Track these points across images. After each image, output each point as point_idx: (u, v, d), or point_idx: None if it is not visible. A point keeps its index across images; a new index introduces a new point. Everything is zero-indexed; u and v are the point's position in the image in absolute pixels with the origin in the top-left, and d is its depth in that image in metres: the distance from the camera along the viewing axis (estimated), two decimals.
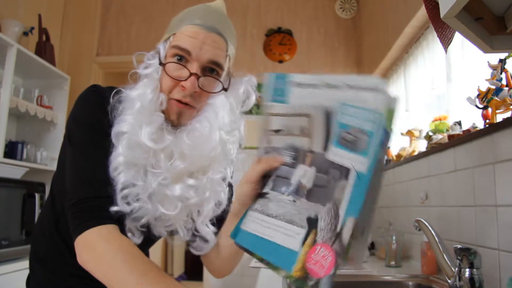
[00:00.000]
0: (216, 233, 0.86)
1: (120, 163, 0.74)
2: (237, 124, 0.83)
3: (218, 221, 0.85)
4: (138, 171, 0.75)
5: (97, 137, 0.76)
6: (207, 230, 0.84)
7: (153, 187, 0.75)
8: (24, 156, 2.57)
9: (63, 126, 2.87)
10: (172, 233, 0.83)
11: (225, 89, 0.81)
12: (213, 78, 0.80)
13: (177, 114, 0.79)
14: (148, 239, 0.82)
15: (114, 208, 0.72)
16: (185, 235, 0.83)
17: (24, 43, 2.67)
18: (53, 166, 2.76)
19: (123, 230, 0.73)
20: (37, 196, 2.26)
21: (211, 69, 0.80)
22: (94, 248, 0.67)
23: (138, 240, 0.76)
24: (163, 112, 0.79)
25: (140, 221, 0.76)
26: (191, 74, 0.77)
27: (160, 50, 0.82)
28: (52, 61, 2.82)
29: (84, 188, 0.72)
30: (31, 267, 0.87)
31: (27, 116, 2.66)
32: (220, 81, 0.81)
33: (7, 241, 1.99)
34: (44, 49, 2.78)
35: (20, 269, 1.93)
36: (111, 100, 0.79)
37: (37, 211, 2.25)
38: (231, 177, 0.88)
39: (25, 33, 2.71)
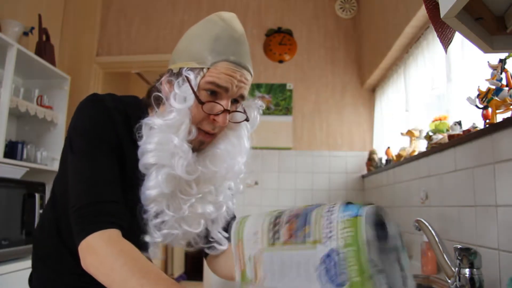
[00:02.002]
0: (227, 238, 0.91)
1: (155, 196, 0.78)
2: (249, 147, 0.90)
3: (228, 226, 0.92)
4: (169, 200, 0.80)
5: (97, 147, 0.79)
6: (220, 237, 0.90)
7: (183, 211, 0.81)
8: (24, 156, 2.57)
9: (63, 126, 2.87)
10: (189, 244, 0.89)
11: (247, 120, 0.88)
12: (239, 112, 0.86)
13: (199, 143, 0.84)
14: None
15: (146, 239, 0.78)
16: (200, 242, 0.89)
17: (24, 43, 2.67)
18: (53, 166, 2.76)
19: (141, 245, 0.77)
20: (37, 196, 2.26)
21: (236, 100, 0.85)
22: (96, 252, 0.68)
23: (159, 237, 0.81)
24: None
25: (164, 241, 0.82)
26: (224, 110, 0.81)
27: (190, 80, 0.81)
28: (52, 61, 2.82)
29: (85, 194, 0.74)
30: (33, 265, 0.90)
31: (27, 116, 2.66)
32: (246, 115, 0.87)
33: (7, 241, 1.99)
34: (44, 49, 2.78)
35: (20, 269, 1.93)
36: (116, 112, 0.82)
37: (37, 211, 2.25)
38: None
39: (25, 33, 2.70)
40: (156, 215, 0.79)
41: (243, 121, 0.87)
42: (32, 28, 2.76)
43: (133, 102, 0.89)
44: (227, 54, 0.81)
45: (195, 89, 0.80)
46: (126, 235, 0.73)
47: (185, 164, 0.79)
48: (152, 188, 0.78)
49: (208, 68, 0.81)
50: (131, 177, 0.81)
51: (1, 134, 2.26)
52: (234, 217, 0.96)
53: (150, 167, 0.79)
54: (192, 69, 0.81)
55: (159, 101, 0.84)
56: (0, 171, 2.25)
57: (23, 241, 2.10)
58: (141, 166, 0.79)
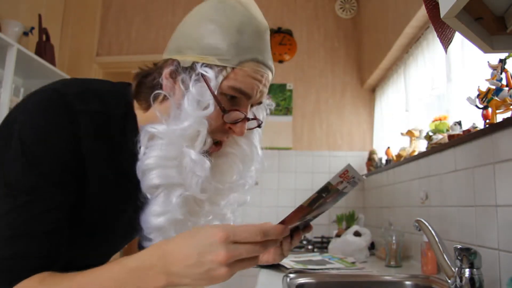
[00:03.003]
0: None
1: (165, 223, 0.65)
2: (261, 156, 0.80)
3: None
4: (176, 226, 0.67)
5: (42, 174, 0.59)
6: None
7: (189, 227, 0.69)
8: None
9: None
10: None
11: (259, 126, 0.77)
12: (254, 119, 0.75)
13: (209, 152, 0.71)
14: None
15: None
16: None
17: (24, 43, 2.67)
18: None
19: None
20: None
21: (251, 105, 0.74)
22: None
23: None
24: None
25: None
26: (244, 118, 0.69)
27: (208, 81, 0.66)
28: (52, 61, 2.82)
29: (7, 244, 0.57)
30: None
31: None
32: (259, 121, 0.76)
33: None
34: (44, 49, 2.78)
35: None
36: (86, 117, 0.63)
37: None
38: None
39: (25, 33, 2.70)
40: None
41: (255, 127, 0.76)
42: (32, 28, 2.76)
43: (112, 94, 0.70)
44: (254, 52, 0.68)
45: (216, 93, 0.66)
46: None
47: (200, 182, 0.66)
48: (161, 214, 0.64)
49: (233, 68, 0.67)
50: (96, 200, 0.66)
51: None
52: None
53: (155, 188, 0.65)
54: (210, 66, 0.66)
55: (155, 97, 0.68)
56: None
57: None
58: (144, 189, 0.65)
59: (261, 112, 0.78)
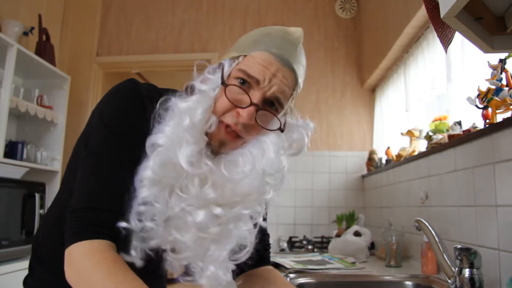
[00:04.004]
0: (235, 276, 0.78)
1: (146, 178, 0.68)
2: (282, 168, 0.77)
3: (243, 265, 0.77)
4: (162, 191, 0.69)
5: (120, 143, 0.71)
6: (221, 275, 0.72)
7: (175, 211, 0.69)
8: (24, 156, 2.57)
9: (63, 126, 2.87)
10: (187, 272, 0.74)
11: (281, 130, 0.75)
12: (271, 114, 0.74)
13: (219, 143, 0.73)
14: (157, 272, 0.77)
15: (122, 224, 0.67)
16: (200, 277, 0.72)
17: (24, 43, 2.67)
18: (53, 166, 2.76)
19: (127, 247, 0.69)
20: (37, 196, 2.26)
21: (272, 103, 0.74)
22: (74, 264, 0.64)
23: (140, 261, 0.69)
24: (206, 134, 0.72)
25: (149, 243, 0.70)
26: (251, 103, 0.70)
27: (224, 67, 0.74)
28: (52, 61, 2.82)
29: (85, 197, 0.68)
30: (30, 266, 0.86)
31: (27, 116, 2.66)
32: (279, 120, 0.74)
33: (7, 241, 1.99)
34: (44, 49, 2.78)
35: (20, 269, 1.93)
36: (150, 102, 0.73)
37: (37, 211, 2.25)
38: (263, 220, 0.80)
39: (25, 33, 2.71)
40: (144, 204, 0.68)
41: (276, 130, 0.74)
42: (32, 28, 2.76)
43: (172, 92, 0.79)
44: (269, 46, 0.73)
45: (226, 78, 0.72)
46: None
47: (190, 153, 0.68)
48: (146, 168, 0.69)
49: (245, 56, 0.73)
50: None
51: (1, 134, 2.26)
52: (268, 251, 0.89)
53: (156, 148, 0.70)
54: (230, 58, 0.75)
55: (193, 91, 0.75)
56: (0, 171, 2.25)
57: (23, 241, 2.10)
58: (148, 145, 0.70)
59: (296, 130, 0.78)
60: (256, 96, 0.71)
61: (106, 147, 0.71)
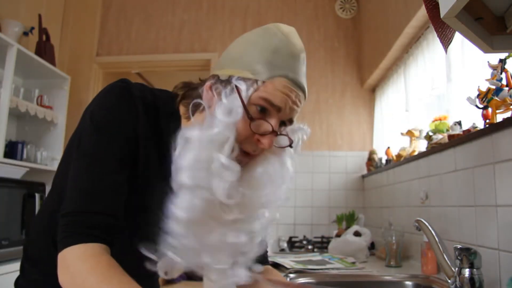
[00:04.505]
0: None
1: (183, 220, 0.68)
2: (292, 175, 0.81)
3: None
4: (194, 225, 0.69)
5: (112, 144, 0.71)
6: (245, 274, 0.76)
7: (213, 242, 0.71)
8: (24, 156, 2.57)
9: (63, 126, 2.87)
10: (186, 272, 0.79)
11: (291, 146, 0.78)
12: (285, 135, 0.76)
13: (238, 162, 0.73)
14: (150, 271, 0.76)
15: (168, 242, 0.68)
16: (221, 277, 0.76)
17: (24, 43, 2.67)
18: (53, 166, 2.76)
19: (124, 248, 0.69)
20: (37, 196, 2.26)
21: (284, 123, 0.76)
22: (68, 268, 0.63)
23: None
24: None
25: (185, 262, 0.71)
26: (272, 131, 0.72)
27: (240, 91, 0.71)
28: (52, 61, 2.82)
29: (78, 199, 0.67)
30: (21, 267, 0.85)
31: (27, 116, 2.66)
32: (291, 140, 0.77)
33: (7, 241, 1.99)
34: (44, 49, 2.78)
35: None
36: (141, 102, 0.74)
37: (37, 211, 2.25)
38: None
39: (25, 33, 2.71)
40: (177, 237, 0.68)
41: (286, 146, 0.77)
42: (32, 28, 2.76)
43: (164, 97, 0.80)
44: (286, 70, 0.72)
45: (245, 102, 0.71)
46: (123, 246, 0.68)
47: (227, 187, 0.68)
48: (183, 210, 0.68)
49: (264, 82, 0.71)
50: (142, 177, 0.74)
51: (1, 134, 2.26)
52: (266, 252, 0.90)
53: (184, 187, 0.69)
54: (244, 79, 0.71)
55: (196, 107, 0.75)
56: (0, 171, 2.25)
57: (23, 241, 2.11)
58: (175, 186, 0.69)
59: (295, 136, 0.80)
60: (275, 123, 0.73)
61: (97, 148, 0.70)
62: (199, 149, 0.69)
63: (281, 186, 0.78)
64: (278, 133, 0.73)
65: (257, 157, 0.76)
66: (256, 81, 0.71)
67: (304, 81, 0.75)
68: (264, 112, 0.72)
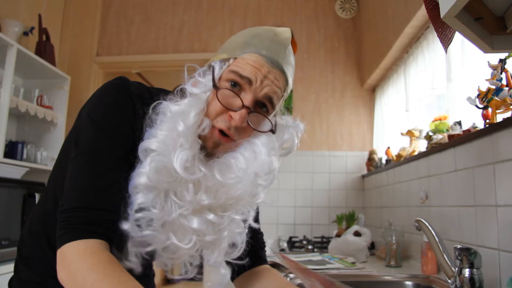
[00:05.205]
0: (232, 277, 0.82)
1: (142, 184, 0.68)
2: (274, 169, 0.77)
3: (237, 265, 0.81)
4: (158, 196, 0.69)
5: (110, 141, 0.70)
6: (223, 272, 0.78)
7: (172, 216, 0.69)
8: (24, 156, 2.57)
9: (63, 126, 2.87)
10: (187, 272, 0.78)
11: (272, 131, 0.76)
12: (263, 116, 0.75)
13: (214, 144, 0.74)
14: (146, 266, 0.77)
15: (124, 227, 0.67)
16: (190, 271, 0.78)
17: (24, 43, 2.67)
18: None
19: (124, 252, 0.69)
20: (37, 196, 2.26)
21: (263, 105, 0.75)
22: (68, 265, 0.62)
23: (138, 267, 0.70)
24: (199, 137, 0.73)
25: (146, 248, 0.70)
26: (243, 106, 0.71)
27: (214, 69, 0.74)
28: (52, 61, 2.82)
29: (77, 196, 0.67)
30: (15, 267, 0.84)
31: (27, 116, 2.66)
32: (270, 122, 0.75)
33: (7, 241, 1.99)
34: (44, 49, 2.78)
35: None
36: (139, 99, 0.73)
37: (32, 211, 2.25)
38: (255, 221, 0.82)
39: (25, 33, 2.71)
40: (140, 210, 0.68)
41: (268, 131, 0.76)
42: (32, 28, 2.76)
43: (161, 94, 0.80)
44: (260, 47, 0.74)
45: (217, 80, 0.73)
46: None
47: (185, 159, 0.68)
48: (141, 174, 0.68)
49: (235, 58, 0.74)
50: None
51: (1, 134, 2.26)
52: (264, 251, 0.91)
53: (149, 153, 0.70)
54: (220, 60, 0.75)
55: (184, 94, 0.75)
56: (0, 171, 2.25)
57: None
58: (140, 150, 0.70)
59: (286, 131, 0.79)
60: (247, 98, 0.72)
61: (95, 145, 0.70)
62: (170, 120, 0.71)
63: (256, 178, 0.74)
64: (252, 109, 0.72)
65: (240, 144, 0.75)
66: (229, 59, 0.74)
67: (283, 61, 0.75)
68: (236, 87, 0.73)
